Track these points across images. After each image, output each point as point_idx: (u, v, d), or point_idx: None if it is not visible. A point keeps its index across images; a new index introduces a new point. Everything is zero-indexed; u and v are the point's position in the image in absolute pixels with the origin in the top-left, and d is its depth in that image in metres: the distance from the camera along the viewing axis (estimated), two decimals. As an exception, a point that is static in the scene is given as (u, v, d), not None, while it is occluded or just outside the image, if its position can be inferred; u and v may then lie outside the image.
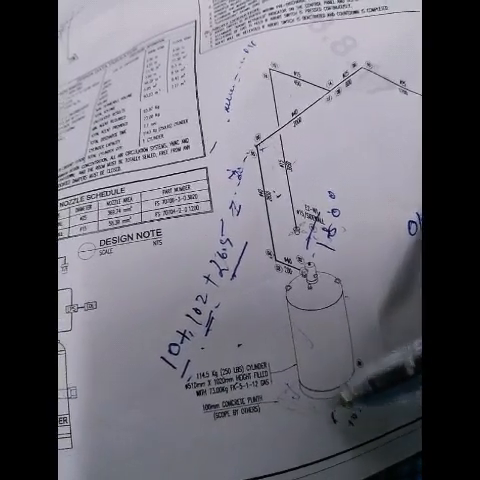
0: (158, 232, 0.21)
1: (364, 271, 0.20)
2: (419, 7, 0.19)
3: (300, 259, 0.20)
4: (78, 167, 0.23)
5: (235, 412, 0.19)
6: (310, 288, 0.20)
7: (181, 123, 0.23)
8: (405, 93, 0.22)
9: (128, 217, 0.21)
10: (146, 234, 0.21)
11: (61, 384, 0.19)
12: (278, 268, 0.20)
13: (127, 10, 0.29)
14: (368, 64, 0.23)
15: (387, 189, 0.21)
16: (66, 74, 0.28)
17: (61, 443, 0.19)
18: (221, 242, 0.20)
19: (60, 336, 0.20)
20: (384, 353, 0.18)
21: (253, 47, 0.24)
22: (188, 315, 0.20)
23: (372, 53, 0.23)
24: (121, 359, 0.19)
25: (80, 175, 0.23)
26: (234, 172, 0.21)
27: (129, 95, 0.25)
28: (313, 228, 0.20)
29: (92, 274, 0.20)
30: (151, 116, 0.24)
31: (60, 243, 0.21)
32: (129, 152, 0.23)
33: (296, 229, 0.20)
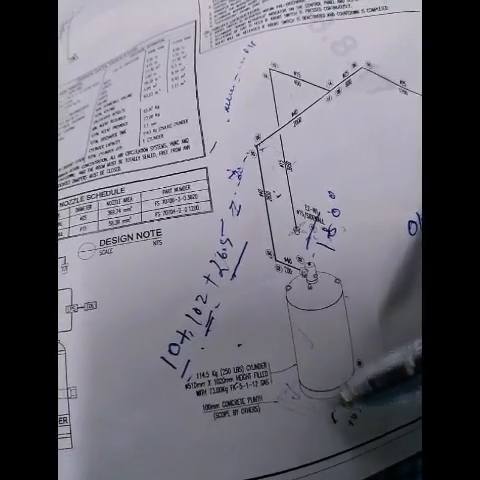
0: (158, 232, 0.21)
1: (364, 271, 0.20)
2: (419, 7, 0.19)
3: (300, 259, 0.20)
4: (78, 167, 0.23)
5: (235, 412, 0.19)
6: (310, 288, 0.20)
7: (181, 123, 0.23)
8: (405, 93, 0.22)
9: (128, 217, 0.21)
10: (146, 234, 0.21)
11: (61, 384, 0.19)
12: (278, 268, 0.20)
13: (127, 10, 0.29)
14: (368, 64, 0.23)
15: (387, 189, 0.21)
16: (66, 74, 0.28)
17: (61, 443, 0.19)
18: (221, 242, 0.20)
19: (60, 336, 0.20)
20: (384, 353, 0.18)
21: (253, 47, 0.24)
22: (188, 315, 0.20)
23: (372, 53, 0.23)
24: (121, 359, 0.19)
25: (80, 175, 0.23)
26: (234, 172, 0.21)
27: (129, 95, 0.25)
28: (313, 228, 0.20)
29: (92, 274, 0.20)
30: (151, 116, 0.24)
31: (60, 243, 0.21)
32: (129, 152, 0.23)
33: (296, 229, 0.20)
